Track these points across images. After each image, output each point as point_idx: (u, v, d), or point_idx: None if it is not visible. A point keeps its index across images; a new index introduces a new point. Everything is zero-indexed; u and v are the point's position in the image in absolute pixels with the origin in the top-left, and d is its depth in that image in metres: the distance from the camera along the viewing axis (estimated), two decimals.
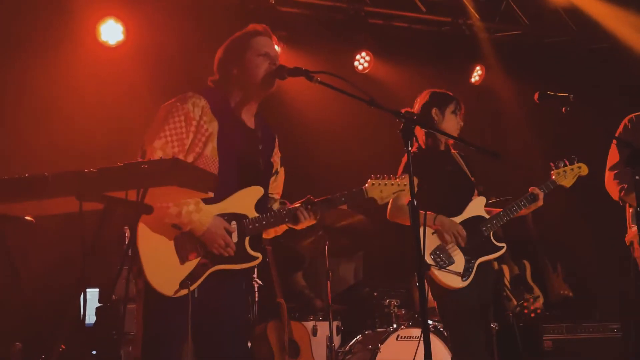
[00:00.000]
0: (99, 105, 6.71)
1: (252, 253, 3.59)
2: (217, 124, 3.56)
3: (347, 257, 6.98)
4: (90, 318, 5.64)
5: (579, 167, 4.85)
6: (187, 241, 3.47)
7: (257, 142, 3.74)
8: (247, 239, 3.57)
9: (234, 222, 3.54)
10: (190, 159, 3.50)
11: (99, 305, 5.68)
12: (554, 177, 4.81)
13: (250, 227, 3.57)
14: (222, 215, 3.51)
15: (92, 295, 5.73)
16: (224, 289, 3.57)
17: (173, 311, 3.41)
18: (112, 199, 2.76)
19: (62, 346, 3.59)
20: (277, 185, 3.91)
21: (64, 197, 2.71)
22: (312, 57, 7.31)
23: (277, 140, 3.93)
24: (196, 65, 6.59)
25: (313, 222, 3.70)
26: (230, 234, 3.51)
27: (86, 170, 2.72)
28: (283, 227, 3.80)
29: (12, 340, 5.16)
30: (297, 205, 3.70)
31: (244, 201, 3.59)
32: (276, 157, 3.90)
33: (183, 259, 3.46)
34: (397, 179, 3.84)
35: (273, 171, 3.86)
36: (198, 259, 3.49)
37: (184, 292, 3.40)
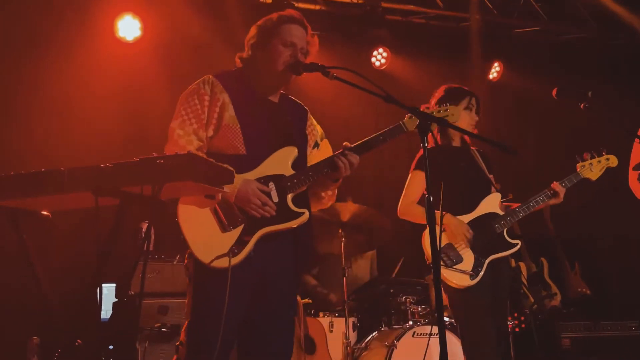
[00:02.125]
0: (116, 100, 6.73)
1: (297, 209, 3.49)
2: (228, 95, 3.57)
3: (360, 255, 6.96)
4: (107, 313, 5.66)
5: (607, 159, 4.77)
6: (226, 210, 3.41)
7: (283, 113, 3.71)
8: (289, 197, 3.50)
9: (271, 183, 3.49)
10: (210, 132, 3.51)
11: (115, 300, 5.69)
12: (578, 169, 4.76)
13: (289, 184, 3.50)
14: (258, 179, 3.47)
15: (109, 290, 5.74)
16: (270, 263, 3.49)
17: (220, 287, 3.29)
18: (127, 194, 2.77)
19: (79, 341, 3.61)
20: (321, 156, 3.78)
21: (80, 192, 2.72)
22: (329, 53, 7.29)
23: (309, 116, 3.88)
24: (213, 60, 6.61)
25: (353, 168, 3.57)
26: (268, 194, 3.45)
27: (102, 165, 2.73)
28: (329, 185, 3.71)
29: (29, 334, 5.20)
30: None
31: (279, 162, 3.54)
32: (312, 130, 3.85)
33: (226, 228, 3.40)
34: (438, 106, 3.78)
35: (312, 144, 3.82)
36: (242, 226, 3.42)
37: (221, 263, 3.32)
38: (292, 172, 3.54)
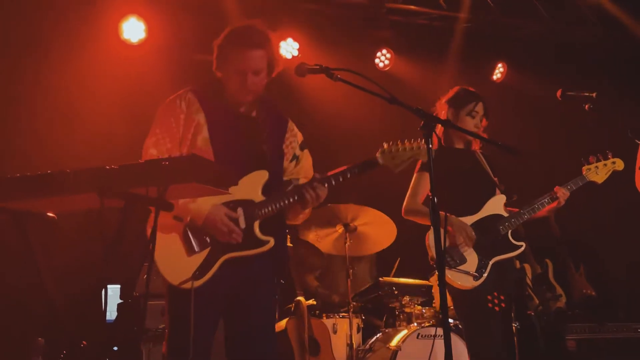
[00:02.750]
0: (121, 102, 6.75)
1: (262, 237, 3.54)
2: (204, 114, 3.57)
3: (361, 257, 6.96)
4: (112, 314, 5.66)
5: (614, 162, 4.76)
6: (193, 233, 3.47)
7: (258, 129, 3.69)
8: (256, 223, 3.54)
9: (239, 208, 3.52)
10: (184, 150, 3.54)
11: (120, 301, 5.70)
12: (584, 172, 4.75)
13: (257, 211, 3.54)
14: (227, 204, 3.49)
15: (114, 292, 5.76)
16: (239, 277, 3.55)
17: (189, 304, 3.40)
18: (132, 196, 2.78)
19: (84, 342, 3.62)
20: (301, 169, 3.85)
21: (86, 194, 2.73)
22: (333, 54, 7.30)
23: (290, 124, 3.87)
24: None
25: (321, 199, 3.60)
26: (236, 220, 3.48)
27: (107, 167, 2.74)
28: (298, 211, 3.74)
29: (34, 336, 5.21)
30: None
31: (249, 187, 3.56)
32: (292, 142, 3.84)
33: (191, 251, 3.46)
34: (412, 142, 3.70)
35: (290, 157, 3.82)
36: (207, 249, 3.48)
37: (187, 284, 3.41)
38: (262, 197, 3.57)
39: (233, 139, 3.61)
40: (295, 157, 3.85)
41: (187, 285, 3.42)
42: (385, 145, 3.70)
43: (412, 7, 7.93)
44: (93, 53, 6.71)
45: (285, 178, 3.80)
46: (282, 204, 3.58)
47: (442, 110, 4.81)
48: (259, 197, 3.57)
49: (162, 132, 3.56)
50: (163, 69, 6.91)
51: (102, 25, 6.85)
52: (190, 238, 3.47)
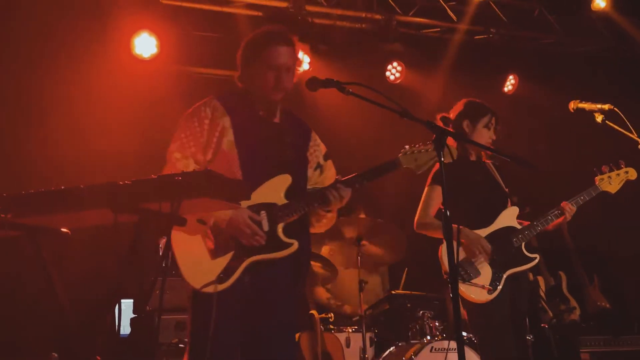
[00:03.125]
0: (133, 117, 6.78)
1: (286, 240, 3.52)
2: (229, 118, 3.58)
3: (372, 270, 6.94)
4: (125, 329, 5.67)
5: (627, 172, 4.75)
6: (217, 236, 3.46)
7: (282, 134, 3.70)
8: (279, 226, 3.52)
9: (263, 212, 3.51)
10: (208, 156, 3.54)
11: (133, 316, 5.72)
12: (597, 182, 4.73)
13: (280, 213, 3.52)
14: (251, 207, 3.48)
15: (127, 306, 5.77)
16: (262, 281, 3.52)
17: (212, 308, 3.36)
18: (146, 211, 2.78)
19: (98, 357, 3.62)
20: (325, 178, 3.83)
21: (99, 209, 2.74)
22: (344, 67, 7.32)
23: (313, 134, 3.87)
24: (229, 76, 6.64)
25: (344, 201, 3.59)
26: (259, 223, 3.47)
27: (120, 183, 2.75)
28: (321, 215, 3.74)
29: (48, 350, 5.22)
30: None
31: (272, 190, 3.55)
32: (315, 151, 3.84)
33: (215, 254, 3.45)
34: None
35: (314, 165, 3.81)
36: (231, 253, 3.46)
37: (210, 288, 3.38)
38: (285, 201, 3.56)
39: (258, 143, 3.62)
40: (319, 166, 3.85)
41: (210, 289, 3.39)
42: (407, 147, 3.69)
43: (423, 19, 7.95)
44: (105, 68, 6.75)
45: (309, 186, 3.78)
46: (305, 207, 3.57)
47: (453, 123, 4.81)
48: (282, 200, 3.56)
49: (186, 136, 3.57)
50: (174, 84, 6.94)
51: (114, 40, 6.89)
52: (213, 241, 3.46)
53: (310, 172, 3.80)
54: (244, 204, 3.46)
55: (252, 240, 3.45)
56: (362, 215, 6.58)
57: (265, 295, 3.54)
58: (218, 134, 3.56)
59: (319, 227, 3.86)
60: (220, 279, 3.41)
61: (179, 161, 3.51)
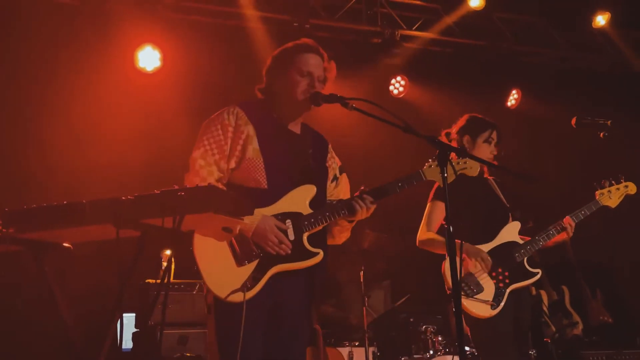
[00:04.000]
0: (136, 130, 6.78)
1: (312, 249, 3.50)
2: (253, 127, 3.58)
3: (377, 285, 6.94)
4: (127, 343, 5.66)
5: (626, 187, 4.77)
6: (242, 244, 3.43)
7: (305, 145, 3.71)
8: (304, 236, 3.51)
9: (288, 220, 3.49)
10: (232, 164, 3.53)
11: (135, 330, 5.71)
12: (597, 197, 4.74)
13: (306, 223, 3.51)
14: (276, 216, 3.47)
15: (129, 320, 5.76)
16: (285, 291, 3.50)
17: (239, 318, 3.32)
18: (148, 226, 2.78)
19: None
20: (340, 191, 3.83)
21: (102, 224, 2.74)
22: (348, 81, 7.32)
23: (330, 147, 3.89)
24: (233, 89, 6.65)
25: (370, 212, 3.59)
26: (285, 232, 3.46)
27: (123, 198, 2.75)
28: (344, 225, 3.72)
29: None
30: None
31: (297, 200, 3.54)
32: (332, 163, 3.85)
33: (240, 262, 3.42)
34: (458, 157, 3.76)
35: (331, 177, 3.82)
36: (256, 261, 3.43)
37: (235, 297, 3.34)
38: (310, 210, 3.55)
39: (282, 151, 3.61)
40: (336, 179, 3.86)
41: (235, 298, 3.35)
42: (431, 160, 3.67)
43: (427, 34, 7.96)
44: (109, 81, 6.76)
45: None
46: (331, 217, 3.56)
47: (455, 138, 4.81)
48: (307, 210, 3.55)
49: (210, 143, 3.54)
50: (178, 97, 6.95)
51: (118, 53, 6.91)
52: (239, 249, 3.43)
53: (328, 183, 3.81)
54: (270, 211, 3.47)
55: (278, 249, 3.43)
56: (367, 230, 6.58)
57: (284, 307, 3.53)
58: (242, 142, 3.55)
59: (340, 238, 3.83)
60: (247, 287, 3.38)
61: (203, 168, 3.48)
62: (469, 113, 4.91)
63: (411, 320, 6.28)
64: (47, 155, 6.45)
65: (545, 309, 7.29)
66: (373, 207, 3.59)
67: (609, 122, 4.28)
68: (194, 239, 3.41)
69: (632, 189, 4.79)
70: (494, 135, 4.78)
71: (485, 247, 4.54)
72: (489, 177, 4.88)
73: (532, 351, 5.74)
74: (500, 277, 4.50)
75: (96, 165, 6.46)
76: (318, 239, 3.58)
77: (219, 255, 3.43)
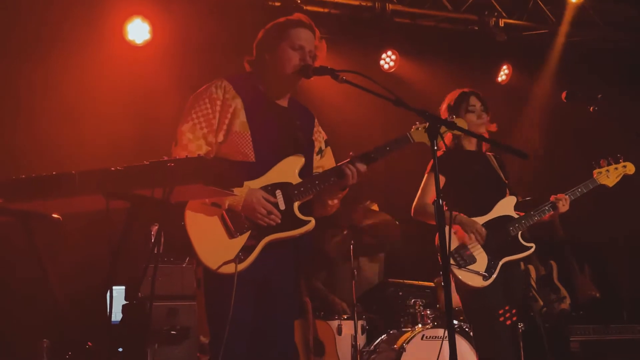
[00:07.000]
0: (126, 103, 6.75)
1: (303, 218, 3.54)
2: (241, 100, 3.59)
3: (370, 258, 6.95)
4: (117, 315, 5.67)
5: (624, 166, 4.81)
6: (234, 217, 3.45)
7: (292, 118, 3.73)
8: (295, 205, 3.54)
9: (278, 191, 3.53)
10: (220, 137, 3.54)
11: (125, 302, 5.72)
12: (595, 176, 4.77)
13: (296, 192, 3.55)
14: (265, 187, 3.50)
15: (119, 293, 5.77)
16: (274, 262, 3.53)
17: (230, 289, 3.34)
18: (138, 197, 2.78)
19: (89, 343, 3.63)
20: (324, 162, 3.87)
21: (91, 195, 2.74)
22: (338, 55, 7.29)
23: (316, 120, 3.91)
24: (222, 63, 6.62)
25: (360, 176, 3.60)
26: (275, 203, 3.48)
27: (112, 168, 2.75)
28: (336, 193, 3.73)
29: (39, 337, 5.22)
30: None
31: (286, 170, 3.58)
32: (318, 136, 3.89)
33: (233, 234, 3.44)
34: (449, 117, 3.79)
35: (317, 150, 3.85)
36: (248, 233, 3.46)
37: (226, 269, 3.36)
38: (299, 180, 3.57)
39: (270, 124, 3.63)
40: (321, 151, 3.89)
41: (226, 270, 3.38)
42: (418, 123, 3.70)
43: (417, 9, 7.93)
44: (98, 54, 6.71)
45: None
46: (321, 184, 3.59)
47: (444, 116, 4.83)
48: (296, 179, 3.58)
49: (198, 117, 3.55)
50: (168, 70, 6.90)
51: (107, 26, 6.84)
52: (229, 223, 3.45)
53: (313, 155, 3.83)
54: (259, 183, 3.50)
55: (268, 220, 3.46)
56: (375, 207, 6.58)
57: (273, 281, 3.56)
58: (230, 115, 3.56)
59: (331, 208, 3.84)
60: (240, 259, 3.41)
61: (191, 142, 3.49)
62: (462, 88, 4.92)
63: (400, 294, 6.31)
64: (36, 128, 6.41)
65: (533, 283, 7.34)
66: (363, 172, 3.59)
67: (599, 95, 4.29)
68: (186, 214, 3.43)
69: (630, 169, 4.82)
70: (473, 101, 4.79)
71: (481, 220, 4.59)
72: (488, 154, 4.90)
73: (520, 325, 5.78)
74: (493, 250, 4.53)
75: (86, 138, 6.43)
76: (309, 209, 3.62)
77: (211, 229, 3.45)
